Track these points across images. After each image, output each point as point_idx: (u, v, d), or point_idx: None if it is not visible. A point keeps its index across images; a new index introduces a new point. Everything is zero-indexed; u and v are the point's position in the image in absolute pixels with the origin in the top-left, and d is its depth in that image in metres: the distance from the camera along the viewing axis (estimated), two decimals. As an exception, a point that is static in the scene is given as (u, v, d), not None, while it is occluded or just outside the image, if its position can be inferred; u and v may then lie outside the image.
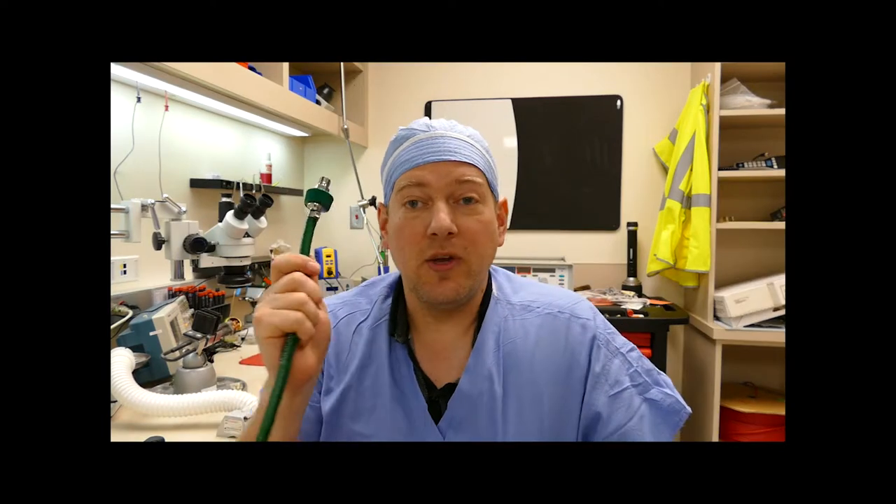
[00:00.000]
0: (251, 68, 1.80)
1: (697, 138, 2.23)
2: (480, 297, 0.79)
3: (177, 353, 1.36)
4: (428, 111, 2.81)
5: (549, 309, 0.79)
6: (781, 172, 2.21)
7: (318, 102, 2.43)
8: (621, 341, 0.80)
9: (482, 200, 0.73)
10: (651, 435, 0.75)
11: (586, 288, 2.64)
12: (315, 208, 0.69)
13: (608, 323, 0.82)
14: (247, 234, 1.58)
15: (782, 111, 2.19)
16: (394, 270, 0.85)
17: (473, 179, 0.72)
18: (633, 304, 2.29)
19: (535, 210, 2.74)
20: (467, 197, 0.72)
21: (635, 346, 0.81)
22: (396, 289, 0.83)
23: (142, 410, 1.13)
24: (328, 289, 2.42)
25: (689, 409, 0.78)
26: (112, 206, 1.39)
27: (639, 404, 0.76)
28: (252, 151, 2.42)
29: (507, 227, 0.77)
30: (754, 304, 2.16)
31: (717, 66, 2.19)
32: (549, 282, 2.30)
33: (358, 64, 2.78)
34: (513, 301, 0.80)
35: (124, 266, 1.63)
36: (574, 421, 0.75)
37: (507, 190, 2.74)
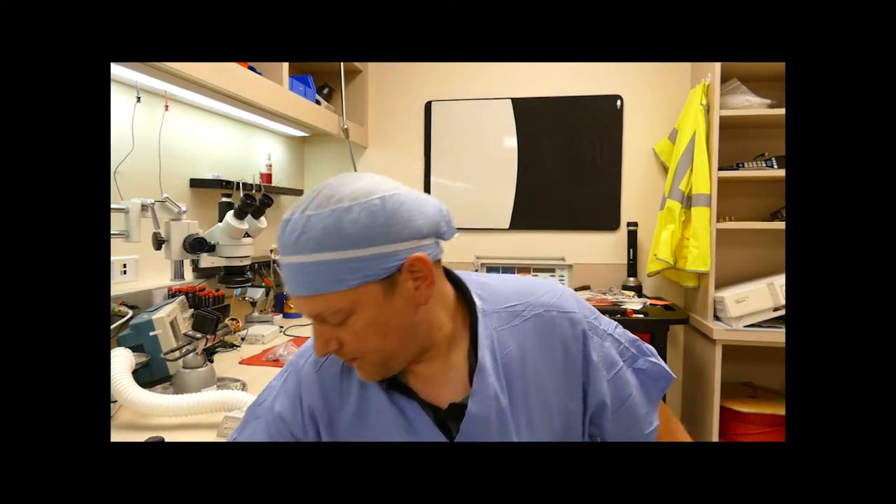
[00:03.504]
0: (251, 68, 1.80)
1: (697, 138, 2.23)
2: (449, 326, 0.76)
3: (177, 353, 1.36)
4: (428, 111, 2.81)
5: (535, 309, 0.78)
6: (781, 172, 2.21)
7: (318, 102, 2.43)
8: (606, 322, 0.83)
9: (353, 311, 0.67)
10: (645, 403, 0.83)
11: (586, 288, 2.64)
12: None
13: (589, 306, 0.83)
14: (247, 234, 1.57)
15: (782, 111, 2.19)
16: None
17: (324, 313, 0.67)
18: (633, 304, 2.29)
19: (535, 210, 2.74)
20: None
21: (617, 324, 0.85)
22: None
23: (142, 410, 1.13)
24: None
25: (673, 375, 0.85)
26: (112, 206, 1.39)
27: (631, 377, 0.82)
28: (252, 151, 2.42)
29: (434, 279, 0.70)
30: (754, 304, 2.16)
31: (717, 66, 2.19)
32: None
33: (358, 64, 2.78)
34: (498, 308, 0.78)
35: (124, 266, 1.63)
36: (579, 413, 0.78)
37: (507, 190, 2.74)
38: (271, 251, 2.25)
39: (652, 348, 0.86)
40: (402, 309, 0.69)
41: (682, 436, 0.90)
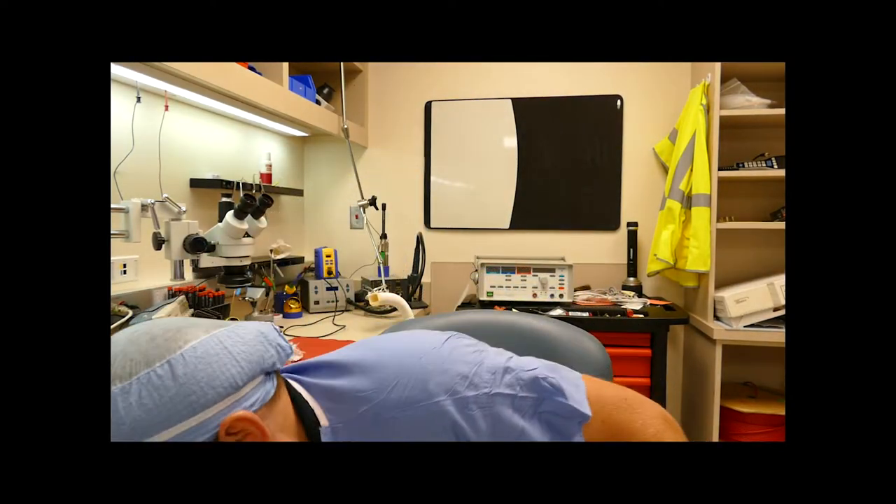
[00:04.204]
0: (251, 68, 1.80)
1: (697, 138, 2.23)
2: None
3: (177, 353, 1.36)
4: (428, 111, 2.81)
5: (389, 412, 0.63)
6: (781, 172, 2.21)
7: (318, 102, 2.43)
8: (487, 375, 0.67)
9: None
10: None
11: (586, 288, 2.64)
12: None
13: (462, 363, 0.67)
14: (247, 234, 1.58)
15: (782, 111, 2.19)
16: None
17: None
18: (633, 304, 2.29)
19: (534, 210, 2.74)
20: None
21: (505, 360, 0.70)
22: None
23: (142, 410, 1.13)
24: (328, 289, 2.42)
25: (588, 412, 0.67)
26: (112, 206, 1.39)
27: (537, 431, 0.66)
28: (252, 151, 2.42)
29: (265, 431, 0.57)
30: (754, 304, 2.16)
31: (717, 66, 2.19)
32: (549, 282, 2.30)
33: (358, 64, 2.78)
34: (348, 420, 0.64)
35: (124, 266, 1.63)
36: None
37: (507, 190, 2.74)
38: (271, 251, 2.25)
39: (562, 383, 0.69)
40: None
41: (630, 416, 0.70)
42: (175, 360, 0.53)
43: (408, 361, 0.66)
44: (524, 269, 2.32)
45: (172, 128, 1.85)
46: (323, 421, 0.64)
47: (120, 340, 0.55)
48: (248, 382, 0.56)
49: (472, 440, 0.63)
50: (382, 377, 0.65)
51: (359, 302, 2.43)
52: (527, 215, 2.74)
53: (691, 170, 2.27)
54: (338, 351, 0.72)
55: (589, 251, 2.71)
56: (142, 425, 0.50)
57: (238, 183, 2.04)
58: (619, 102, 2.66)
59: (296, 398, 0.65)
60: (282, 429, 0.61)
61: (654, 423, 0.69)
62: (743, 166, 2.27)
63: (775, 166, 2.23)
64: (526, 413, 0.66)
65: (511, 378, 0.67)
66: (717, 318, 2.27)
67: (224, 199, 1.81)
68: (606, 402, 0.70)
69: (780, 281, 2.15)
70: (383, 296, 1.99)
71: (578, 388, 0.69)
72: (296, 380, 0.68)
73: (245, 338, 0.58)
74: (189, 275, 1.85)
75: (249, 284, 1.76)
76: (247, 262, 1.59)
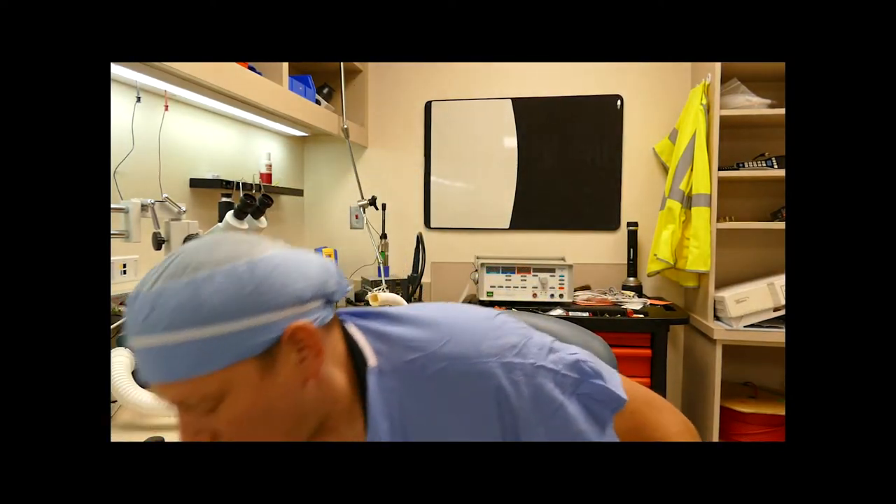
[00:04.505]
0: (251, 68, 1.80)
1: (697, 138, 2.23)
2: (349, 394, 0.66)
3: (177, 353, 1.36)
4: (428, 111, 2.81)
5: (438, 363, 0.65)
6: (781, 172, 2.21)
7: (317, 102, 2.43)
8: (535, 350, 0.69)
9: (224, 395, 0.58)
10: (596, 432, 0.69)
11: (586, 288, 2.64)
12: None
13: (513, 334, 0.69)
14: (247, 234, 1.57)
15: (782, 111, 2.19)
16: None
17: (186, 400, 0.58)
18: (633, 304, 2.29)
19: (535, 210, 2.74)
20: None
21: (550, 340, 0.72)
22: None
23: (142, 410, 1.13)
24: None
25: (624, 397, 0.71)
26: (112, 206, 1.39)
27: (574, 408, 0.68)
28: (252, 151, 2.42)
29: (322, 349, 0.62)
30: (754, 304, 2.16)
31: (717, 66, 2.19)
32: (549, 282, 2.30)
33: (358, 64, 2.78)
34: (397, 364, 0.66)
35: (124, 266, 1.63)
36: None
37: (507, 190, 2.74)
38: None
39: (601, 368, 0.72)
40: (286, 388, 0.60)
41: (666, 423, 0.74)
42: (255, 262, 0.58)
43: (462, 324, 0.69)
44: (524, 269, 2.32)
45: (172, 128, 1.85)
46: (371, 361, 0.67)
47: (205, 241, 0.60)
48: (311, 300, 0.61)
49: (512, 406, 0.65)
50: (437, 331, 0.68)
51: (359, 302, 2.43)
52: (527, 215, 2.74)
53: (691, 170, 2.27)
54: (392, 307, 0.75)
55: (589, 251, 2.71)
56: (219, 311, 0.55)
57: (238, 183, 2.04)
58: (619, 102, 2.66)
59: (348, 337, 0.69)
60: (332, 357, 0.65)
61: (678, 424, 0.74)
62: (743, 166, 2.27)
63: (775, 166, 2.23)
64: (566, 390, 0.69)
65: (555, 356, 0.70)
66: (717, 318, 2.27)
67: (224, 199, 1.81)
68: (637, 396, 0.75)
69: (780, 281, 2.15)
70: (383, 296, 1.99)
71: (614, 376, 0.73)
72: (350, 321, 0.71)
73: (312, 262, 0.63)
74: (189, 275, 1.85)
75: (249, 284, 1.76)
76: (247, 262, 1.59)
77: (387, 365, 0.66)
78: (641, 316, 2.14)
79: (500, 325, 0.71)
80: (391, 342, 0.68)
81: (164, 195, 1.50)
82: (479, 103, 2.76)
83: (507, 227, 2.76)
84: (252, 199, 1.52)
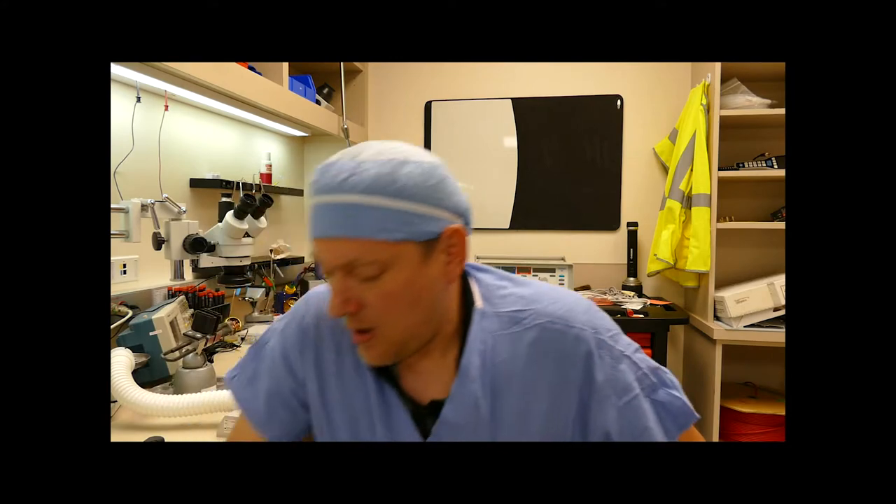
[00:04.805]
0: (251, 68, 1.80)
1: (697, 138, 2.23)
2: (455, 319, 0.73)
3: (176, 354, 1.36)
4: (428, 111, 2.81)
5: (538, 318, 0.72)
6: (781, 172, 2.21)
7: (317, 102, 2.43)
8: (625, 342, 0.75)
9: (389, 266, 0.63)
10: (659, 435, 0.72)
11: (586, 288, 2.64)
12: None
13: (609, 323, 0.75)
14: (246, 234, 1.57)
15: (782, 111, 2.19)
16: None
17: (359, 260, 0.63)
18: (633, 304, 2.29)
19: (535, 210, 2.74)
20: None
21: (639, 346, 0.77)
22: None
23: (142, 410, 1.13)
24: (328, 289, 2.42)
25: (697, 414, 0.74)
26: (112, 206, 1.39)
27: (648, 408, 0.72)
28: (252, 151, 2.42)
29: (466, 255, 0.69)
30: (754, 304, 2.16)
31: (717, 66, 2.19)
32: (550, 282, 2.30)
33: (358, 64, 2.78)
34: (500, 311, 0.73)
35: (124, 266, 1.63)
36: (568, 438, 0.72)
37: (507, 190, 2.74)
38: (271, 251, 2.25)
39: (675, 381, 0.76)
40: (433, 280, 0.66)
41: None
42: (437, 165, 0.66)
43: (566, 295, 0.76)
44: (524, 269, 2.33)
45: (172, 128, 1.84)
46: (479, 303, 0.74)
47: (372, 143, 0.66)
48: (462, 216, 0.68)
49: (594, 377, 0.70)
50: (542, 294, 0.75)
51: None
52: (527, 215, 2.74)
53: (691, 170, 2.27)
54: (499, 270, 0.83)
55: (589, 251, 2.71)
56: (408, 190, 0.62)
57: (238, 183, 2.04)
58: (619, 102, 2.66)
59: (462, 280, 0.75)
60: (455, 294, 0.73)
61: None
62: (743, 166, 2.27)
63: (775, 166, 2.23)
64: (644, 390, 0.73)
65: (641, 355, 0.75)
66: (717, 318, 2.27)
67: (224, 199, 1.81)
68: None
69: (780, 281, 2.15)
70: None
71: (683, 393, 0.76)
72: (466, 267, 0.76)
73: (461, 189, 0.71)
74: (189, 275, 1.85)
75: (249, 284, 1.76)
76: (247, 262, 1.59)
77: (491, 309, 0.73)
78: (641, 316, 2.14)
79: (599, 310, 0.77)
80: (499, 290, 0.75)
81: (164, 195, 1.50)
82: (480, 103, 2.76)
83: (508, 226, 2.76)
84: (252, 199, 1.52)
